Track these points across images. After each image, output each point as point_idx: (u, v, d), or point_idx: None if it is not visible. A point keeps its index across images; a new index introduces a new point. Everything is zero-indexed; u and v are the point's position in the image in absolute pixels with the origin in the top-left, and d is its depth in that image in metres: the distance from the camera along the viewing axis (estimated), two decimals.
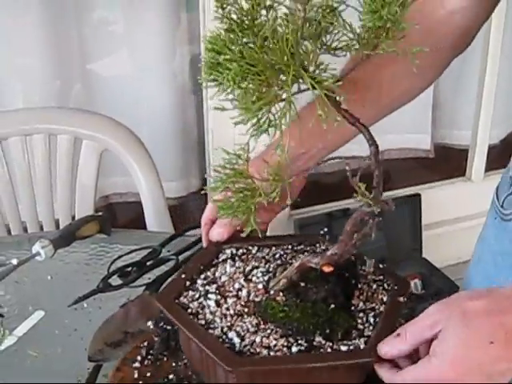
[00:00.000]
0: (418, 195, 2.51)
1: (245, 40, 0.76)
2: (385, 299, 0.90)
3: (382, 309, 0.88)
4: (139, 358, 0.95)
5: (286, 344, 0.82)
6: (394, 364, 0.82)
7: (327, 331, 0.84)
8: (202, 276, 0.95)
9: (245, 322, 0.86)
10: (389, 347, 0.81)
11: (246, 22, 0.76)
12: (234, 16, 0.77)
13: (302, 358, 0.81)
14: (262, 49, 0.74)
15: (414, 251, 2.50)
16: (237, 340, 0.83)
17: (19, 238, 1.53)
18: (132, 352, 0.97)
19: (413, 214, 2.50)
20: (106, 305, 1.13)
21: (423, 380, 0.78)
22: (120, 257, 1.23)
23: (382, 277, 0.94)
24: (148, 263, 1.23)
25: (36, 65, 2.20)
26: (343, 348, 0.82)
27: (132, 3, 2.31)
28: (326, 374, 0.81)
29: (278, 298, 0.87)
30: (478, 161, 2.67)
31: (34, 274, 1.21)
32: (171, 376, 0.92)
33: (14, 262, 1.16)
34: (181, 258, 1.24)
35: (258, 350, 0.81)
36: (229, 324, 0.86)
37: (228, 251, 1.00)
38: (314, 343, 0.83)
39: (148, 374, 0.93)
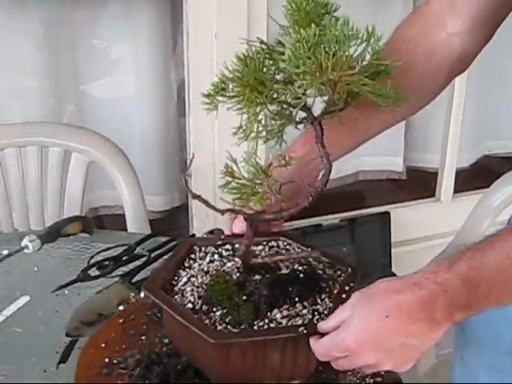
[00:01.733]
0: (388, 213, 2.66)
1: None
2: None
3: None
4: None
5: (191, 301, 0.96)
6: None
7: (224, 311, 0.94)
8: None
9: (202, 278, 1.01)
10: (322, 323, 0.93)
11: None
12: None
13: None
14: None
15: (383, 266, 2.64)
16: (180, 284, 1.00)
17: (11, 235, 1.68)
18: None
19: (383, 231, 2.64)
20: (85, 292, 1.29)
21: (332, 346, 0.90)
22: (99, 252, 1.39)
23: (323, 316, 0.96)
24: (123, 258, 1.39)
25: (34, 85, 2.38)
26: (219, 327, 0.93)
27: (126, 31, 2.49)
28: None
29: (232, 275, 1.01)
30: (446, 183, 2.82)
31: (22, 265, 1.36)
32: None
33: (5, 252, 1.33)
34: (152, 255, 1.40)
35: (176, 296, 0.97)
36: (194, 274, 1.02)
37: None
38: (210, 314, 0.94)
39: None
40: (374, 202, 2.80)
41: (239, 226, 1.11)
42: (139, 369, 1.01)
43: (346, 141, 1.16)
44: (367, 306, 0.89)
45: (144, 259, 1.38)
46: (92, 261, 1.36)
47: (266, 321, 0.94)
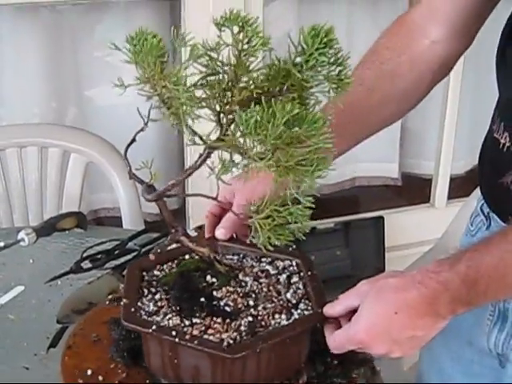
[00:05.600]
0: (382, 218, 2.70)
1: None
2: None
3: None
4: None
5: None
6: (339, 327, 0.98)
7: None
8: None
9: None
10: (328, 307, 0.99)
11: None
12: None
13: None
14: None
15: (377, 270, 2.68)
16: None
17: (8, 229, 1.73)
18: None
19: (377, 236, 2.68)
20: (77, 283, 1.34)
21: (346, 340, 0.97)
22: (93, 246, 1.44)
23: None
24: (115, 252, 1.45)
25: (36, 87, 2.44)
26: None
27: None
28: None
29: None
30: (440, 189, 2.85)
31: (17, 257, 1.42)
32: None
33: (1, 244, 1.39)
34: (143, 249, 1.46)
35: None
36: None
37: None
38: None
39: None
40: (369, 208, 2.85)
41: (220, 231, 1.13)
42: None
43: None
44: (377, 301, 0.95)
45: (135, 253, 1.44)
46: (85, 254, 1.41)
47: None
